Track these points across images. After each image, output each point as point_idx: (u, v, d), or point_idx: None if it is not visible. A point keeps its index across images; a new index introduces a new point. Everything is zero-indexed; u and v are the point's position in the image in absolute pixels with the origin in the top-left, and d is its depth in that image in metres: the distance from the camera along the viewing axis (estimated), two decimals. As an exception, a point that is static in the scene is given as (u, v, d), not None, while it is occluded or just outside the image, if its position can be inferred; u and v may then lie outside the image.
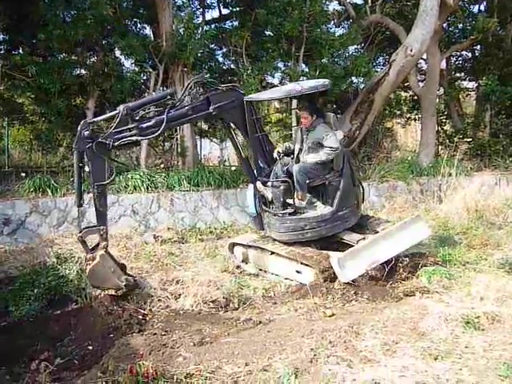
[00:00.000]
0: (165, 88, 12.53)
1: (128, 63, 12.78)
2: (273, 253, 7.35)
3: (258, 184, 7.38)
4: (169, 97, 6.67)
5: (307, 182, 7.07)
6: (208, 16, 15.50)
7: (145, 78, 13.15)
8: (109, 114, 6.46)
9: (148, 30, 14.14)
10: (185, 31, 11.79)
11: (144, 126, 6.34)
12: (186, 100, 6.81)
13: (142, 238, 9.41)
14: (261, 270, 7.60)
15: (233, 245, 8.19)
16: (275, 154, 7.50)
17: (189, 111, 6.69)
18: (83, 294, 6.40)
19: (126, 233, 9.55)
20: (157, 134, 6.49)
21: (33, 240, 9.13)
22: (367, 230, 7.57)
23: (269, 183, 7.34)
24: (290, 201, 7.24)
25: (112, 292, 6.13)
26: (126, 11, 11.93)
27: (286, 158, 7.61)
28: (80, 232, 6.16)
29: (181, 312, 6.09)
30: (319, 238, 7.20)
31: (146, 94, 12.48)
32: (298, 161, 7.39)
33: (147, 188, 10.68)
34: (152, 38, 13.07)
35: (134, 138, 6.32)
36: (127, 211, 10.27)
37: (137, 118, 6.33)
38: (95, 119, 6.38)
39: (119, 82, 11.56)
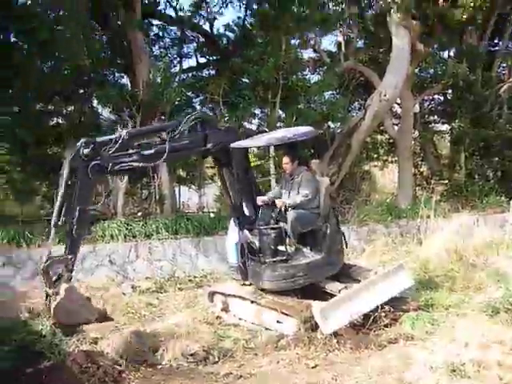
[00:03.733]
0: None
1: (105, 112, 12.81)
2: (253, 302, 7.19)
3: (245, 232, 7.25)
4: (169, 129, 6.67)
5: (299, 228, 7.01)
6: (185, 65, 15.75)
7: (122, 126, 13.15)
8: (108, 137, 6.35)
9: (125, 80, 14.27)
10: (162, 80, 11.90)
11: (145, 153, 6.33)
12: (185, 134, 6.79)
13: (120, 288, 9.16)
14: (241, 319, 7.41)
15: (212, 293, 8.00)
16: (259, 202, 7.42)
17: (188, 145, 6.72)
18: (56, 350, 6.08)
19: (103, 283, 9.32)
20: (159, 161, 6.59)
21: (5, 294, 8.82)
22: (349, 279, 7.48)
23: (255, 231, 7.23)
24: (281, 248, 7.08)
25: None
26: (104, 61, 12.02)
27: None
28: (45, 262, 5.81)
29: (158, 367, 5.86)
30: (309, 284, 7.04)
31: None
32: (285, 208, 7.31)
33: (124, 237, 10.50)
34: (129, 88, 13.15)
35: (135, 164, 6.27)
36: (104, 261, 10.03)
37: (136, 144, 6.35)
38: (97, 139, 6.23)
39: (96, 132, 11.54)
